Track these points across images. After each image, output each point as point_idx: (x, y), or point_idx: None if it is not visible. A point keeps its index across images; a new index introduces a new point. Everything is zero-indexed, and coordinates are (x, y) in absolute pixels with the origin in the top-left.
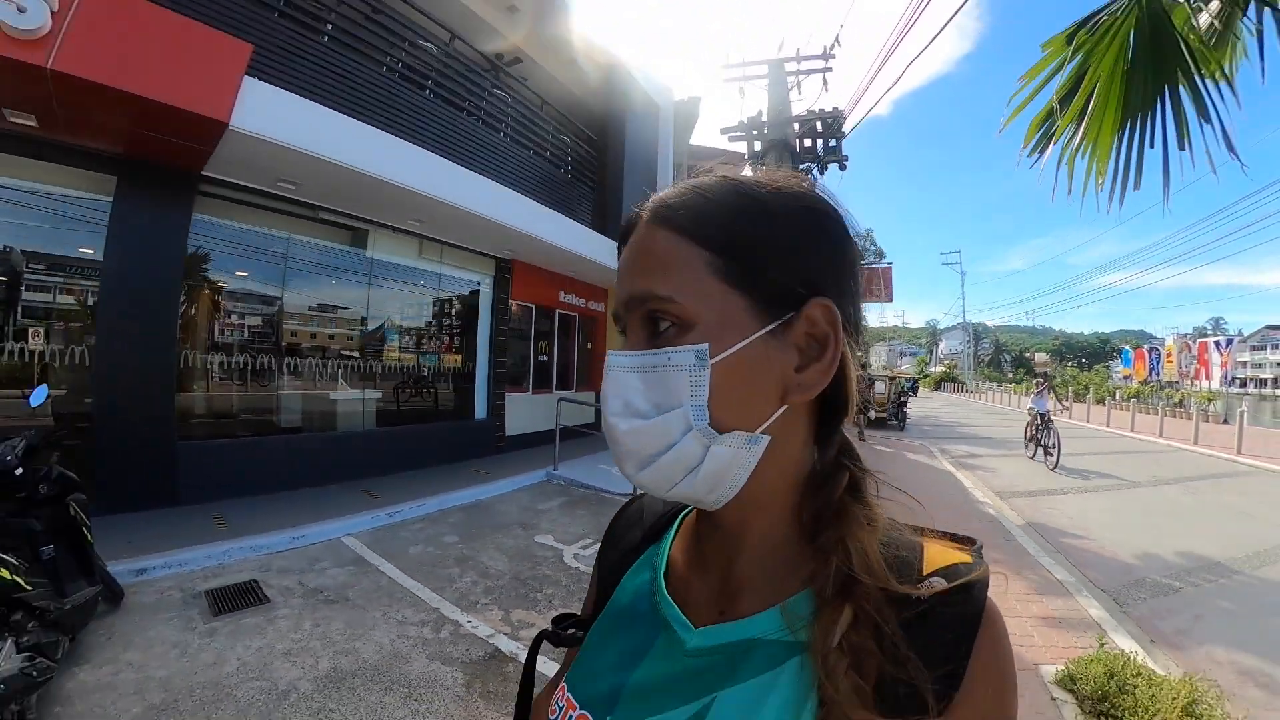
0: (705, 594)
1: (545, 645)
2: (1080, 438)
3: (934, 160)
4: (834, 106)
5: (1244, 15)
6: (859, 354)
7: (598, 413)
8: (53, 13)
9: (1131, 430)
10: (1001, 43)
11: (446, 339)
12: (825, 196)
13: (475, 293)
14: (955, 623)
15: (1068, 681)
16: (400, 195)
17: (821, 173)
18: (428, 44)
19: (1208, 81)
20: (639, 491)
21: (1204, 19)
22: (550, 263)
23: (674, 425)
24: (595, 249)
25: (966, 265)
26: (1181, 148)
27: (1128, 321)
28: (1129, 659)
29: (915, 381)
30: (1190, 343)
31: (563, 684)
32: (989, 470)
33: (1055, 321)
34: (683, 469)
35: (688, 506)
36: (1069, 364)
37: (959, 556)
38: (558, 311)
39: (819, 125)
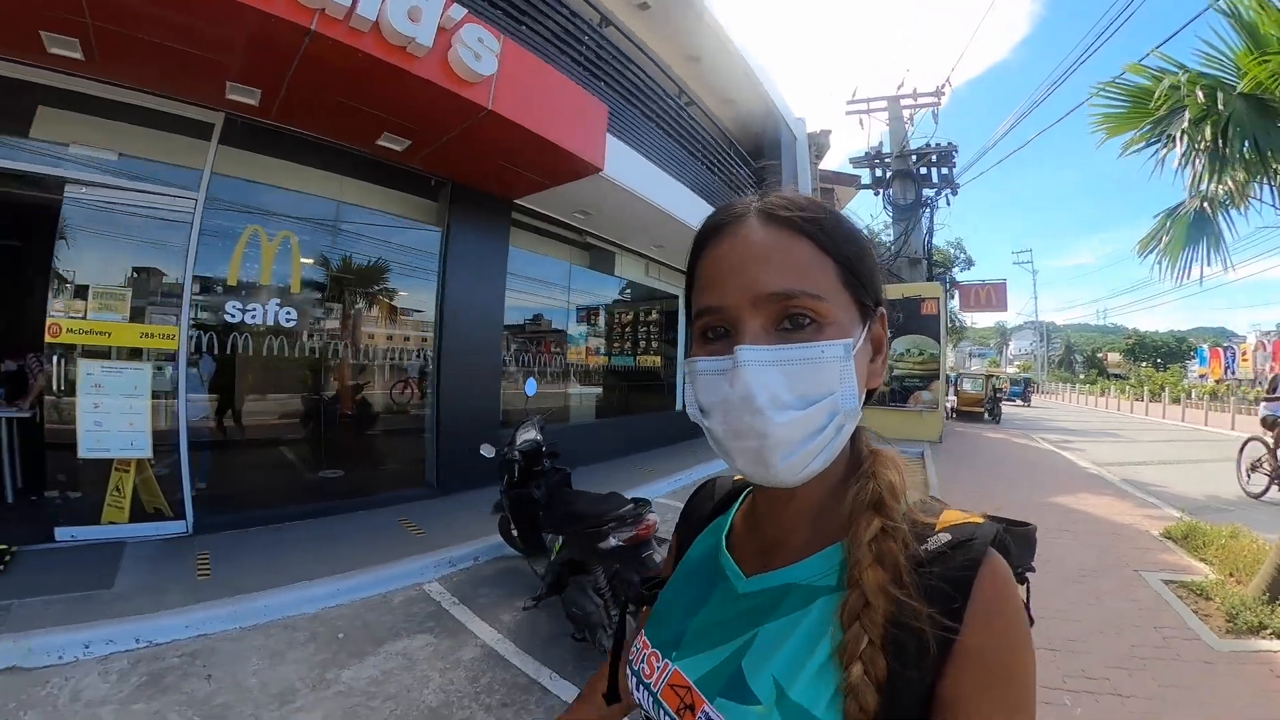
0: (757, 551)
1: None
2: (1158, 429)
3: (993, 152)
4: (948, 141)
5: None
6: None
7: None
8: (497, 62)
9: (1205, 425)
10: (1056, 26)
11: (658, 343)
12: None
13: (676, 304)
14: (955, 570)
15: (1165, 535)
16: (665, 221)
17: (944, 201)
18: (669, 98)
19: (1226, 213)
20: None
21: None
22: None
23: (823, 413)
24: None
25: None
26: (1209, 265)
27: (1206, 318)
28: (1199, 522)
29: (1028, 383)
30: (1265, 341)
31: (642, 631)
32: (1082, 450)
33: (1128, 319)
34: (814, 453)
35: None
36: (1144, 364)
37: (971, 519)
38: None
39: (934, 157)
